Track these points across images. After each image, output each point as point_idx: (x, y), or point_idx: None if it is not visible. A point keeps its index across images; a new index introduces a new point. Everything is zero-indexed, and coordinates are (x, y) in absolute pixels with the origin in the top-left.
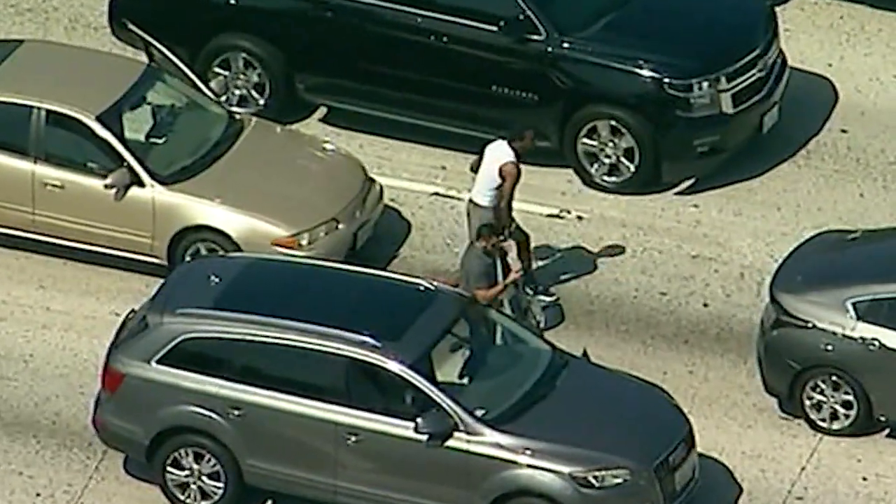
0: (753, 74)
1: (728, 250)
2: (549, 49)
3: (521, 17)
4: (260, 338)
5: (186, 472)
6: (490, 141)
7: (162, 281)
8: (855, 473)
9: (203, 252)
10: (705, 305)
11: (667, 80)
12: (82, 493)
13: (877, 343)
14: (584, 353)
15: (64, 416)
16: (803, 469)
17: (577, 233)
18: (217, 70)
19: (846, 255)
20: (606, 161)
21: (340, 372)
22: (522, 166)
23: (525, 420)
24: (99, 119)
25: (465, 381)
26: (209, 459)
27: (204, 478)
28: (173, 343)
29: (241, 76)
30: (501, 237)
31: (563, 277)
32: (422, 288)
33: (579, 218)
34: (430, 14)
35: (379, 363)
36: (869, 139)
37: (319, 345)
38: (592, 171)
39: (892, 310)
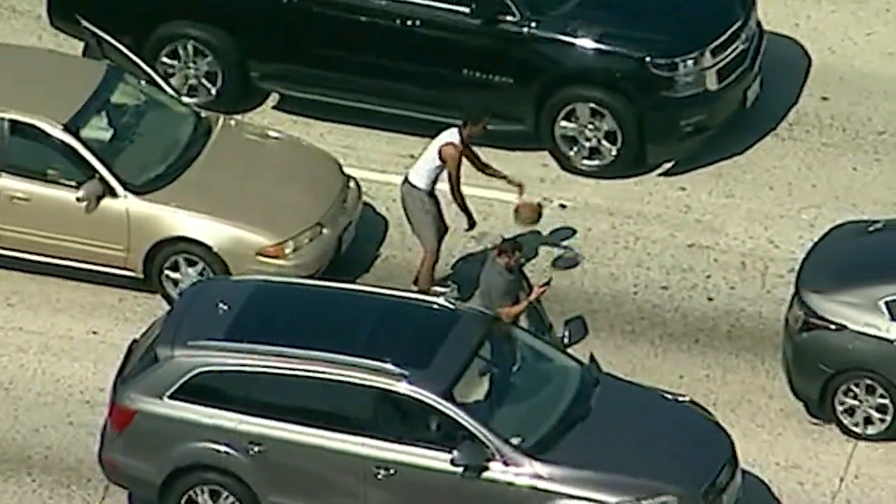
0: (737, 47)
1: (724, 237)
2: (523, 29)
3: None
4: (279, 369)
5: None
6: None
7: (168, 309)
8: None
9: (182, 264)
10: (710, 300)
11: (650, 58)
12: None
13: None
14: (592, 359)
15: (56, 449)
16: (842, 480)
17: (562, 223)
18: (165, 60)
19: (873, 249)
20: (587, 144)
21: (366, 403)
22: (495, 151)
23: (563, 447)
24: (66, 128)
25: (497, 407)
26: (227, 497)
27: None
28: (187, 377)
29: (192, 65)
30: (518, 252)
31: (555, 274)
32: (442, 307)
33: (562, 206)
34: None
35: (408, 393)
36: (852, 106)
37: (343, 375)
38: (571, 154)
39: None
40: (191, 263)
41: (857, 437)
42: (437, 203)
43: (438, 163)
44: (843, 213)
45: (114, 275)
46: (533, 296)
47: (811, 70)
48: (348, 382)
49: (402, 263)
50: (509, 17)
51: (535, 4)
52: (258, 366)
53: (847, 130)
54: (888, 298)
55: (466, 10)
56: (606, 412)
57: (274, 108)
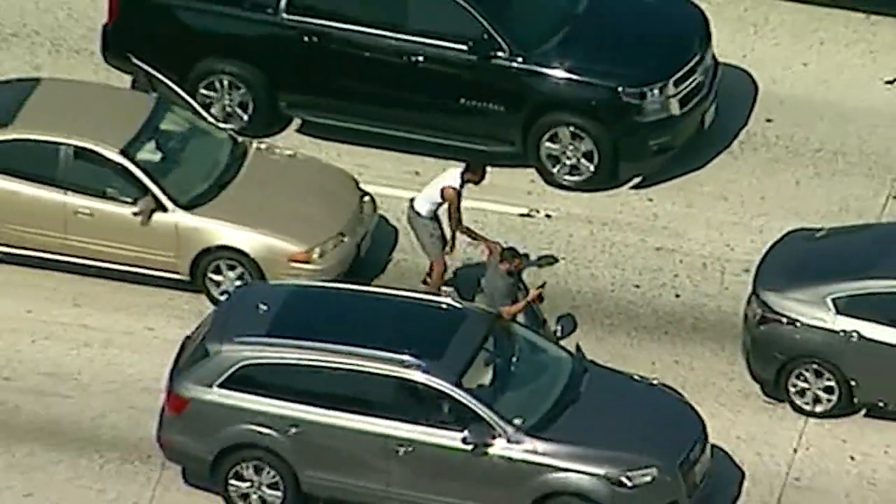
0: (696, 78)
1: (687, 241)
2: (512, 64)
3: (486, 36)
4: (313, 361)
5: (248, 484)
6: (458, 149)
7: (214, 309)
8: (843, 453)
9: (223, 268)
10: (677, 296)
11: (621, 88)
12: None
13: (856, 334)
14: (578, 349)
15: (120, 430)
16: (795, 451)
17: (548, 230)
18: (204, 92)
19: (820, 253)
20: (568, 162)
21: (389, 390)
22: (490, 168)
23: (558, 426)
24: (122, 152)
25: (501, 392)
26: (269, 471)
27: (264, 488)
28: (233, 369)
29: (227, 96)
30: (518, 259)
31: (544, 275)
32: (451, 307)
33: (548, 216)
34: (403, 37)
35: (424, 381)
36: (793, 127)
37: (367, 366)
38: (555, 171)
39: (868, 304)
40: (231, 268)
41: (807, 414)
42: (439, 224)
43: (439, 200)
44: (788, 220)
45: (165, 278)
46: (529, 297)
47: (757, 96)
48: (372, 372)
49: (412, 266)
50: (500, 54)
51: (522, 42)
52: (295, 358)
53: (789, 148)
54: (834, 296)
55: (464, 47)
56: (594, 396)
57: (297, 131)
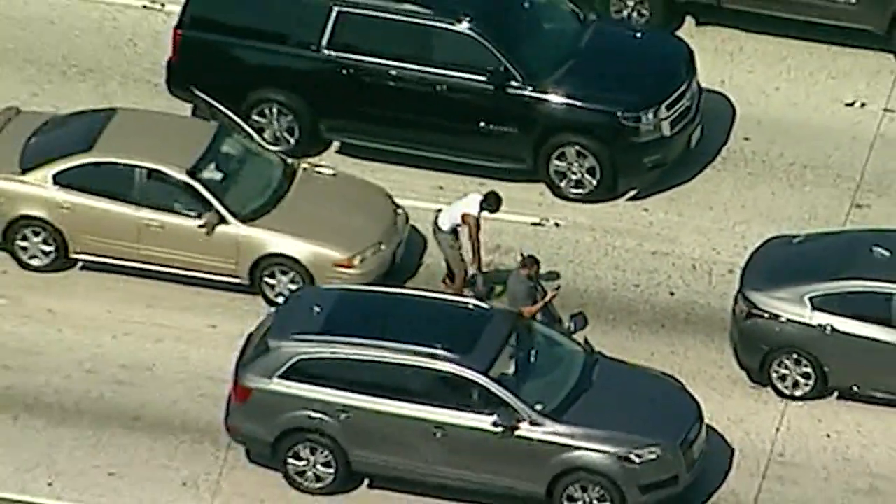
0: (683, 103)
1: (678, 245)
2: (525, 92)
3: (502, 68)
4: (360, 355)
5: (304, 462)
6: (477, 167)
7: (273, 310)
8: (819, 432)
9: (278, 273)
10: (671, 294)
11: (620, 112)
12: (219, 480)
13: (829, 328)
14: (587, 342)
15: (191, 415)
16: (778, 430)
17: (557, 237)
18: (256, 118)
19: (797, 257)
20: (573, 178)
21: (426, 379)
22: (504, 184)
23: (574, 411)
24: (189, 172)
25: (524, 381)
26: (322, 451)
27: (318, 466)
28: (291, 362)
29: (276, 122)
30: (536, 266)
31: (554, 276)
32: (479, 307)
33: (557, 225)
34: (429, 69)
35: (459, 373)
36: (768, 144)
37: (409, 359)
38: (562, 185)
39: (840, 301)
40: (284, 273)
41: (788, 397)
42: (457, 238)
43: (459, 221)
44: (766, 226)
45: (226, 282)
46: (547, 298)
47: (736, 117)
48: (411, 364)
49: (439, 270)
50: (514, 83)
51: (532, 73)
52: (344, 353)
53: (765, 163)
54: (810, 294)
55: (483, 78)
56: (604, 384)
57: (336, 152)
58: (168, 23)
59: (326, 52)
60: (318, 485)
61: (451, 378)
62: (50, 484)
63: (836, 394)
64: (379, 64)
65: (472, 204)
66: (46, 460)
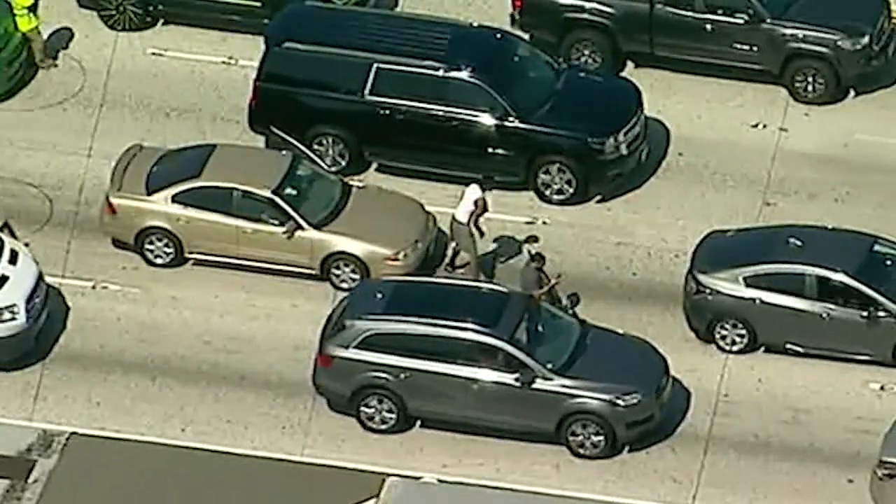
0: (636, 129)
1: (637, 238)
2: (518, 125)
3: (501, 107)
4: (415, 330)
5: (373, 410)
6: (482, 179)
7: (345, 296)
8: (753, 378)
9: (342, 265)
10: (634, 274)
11: (589, 137)
12: (309, 424)
13: (759, 300)
14: (574, 314)
15: (285, 375)
16: (722, 377)
17: (546, 233)
18: (315, 147)
19: (733, 247)
20: (555, 187)
21: (464, 347)
22: (504, 192)
23: (575, 368)
24: (274, 192)
25: (536, 346)
26: (387, 402)
27: (384, 412)
28: (363, 336)
29: (331, 149)
30: (543, 259)
31: (547, 264)
32: (500, 291)
33: (544, 223)
34: (446, 109)
35: (489, 341)
36: (696, 158)
37: (451, 332)
38: (547, 193)
39: (766, 280)
40: (346, 265)
41: (728, 352)
42: (475, 227)
43: (472, 208)
44: (699, 221)
45: (303, 273)
46: (551, 284)
47: (670, 138)
48: (452, 336)
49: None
50: (510, 118)
51: (524, 110)
52: (402, 328)
53: (696, 173)
54: (744, 275)
55: (487, 115)
56: (595, 347)
57: (376, 171)
58: (242, 74)
59: (368, 97)
60: (384, 426)
61: (483, 345)
62: (183, 430)
63: (762, 348)
64: (408, 105)
65: (475, 191)
66: (179, 412)
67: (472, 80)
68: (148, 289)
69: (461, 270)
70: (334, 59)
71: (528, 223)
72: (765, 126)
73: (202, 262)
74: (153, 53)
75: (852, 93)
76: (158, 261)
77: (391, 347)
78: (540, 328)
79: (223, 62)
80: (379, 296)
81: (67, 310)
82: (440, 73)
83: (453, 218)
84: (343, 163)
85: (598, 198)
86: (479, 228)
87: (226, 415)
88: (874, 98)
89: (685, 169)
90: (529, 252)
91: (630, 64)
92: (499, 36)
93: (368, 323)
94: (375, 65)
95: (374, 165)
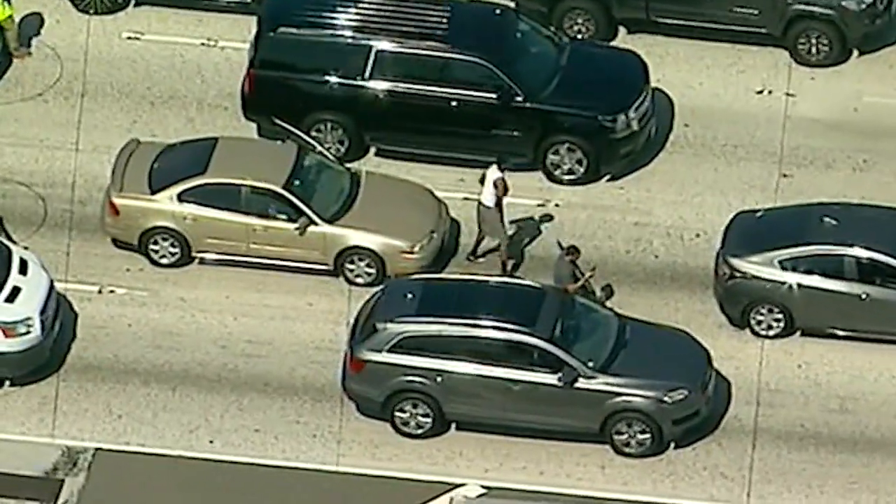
0: (645, 104)
1: (653, 217)
2: (526, 105)
3: (508, 87)
4: (450, 331)
5: (408, 414)
6: (489, 164)
7: (371, 296)
8: (793, 364)
9: (356, 260)
10: (656, 257)
11: (600, 115)
12: (340, 431)
13: (796, 284)
14: (603, 305)
15: (308, 379)
16: (761, 364)
17: (559, 215)
18: (314, 134)
19: (763, 229)
20: (566, 167)
21: (501, 347)
22: (511, 172)
23: (618, 364)
24: (284, 187)
25: (575, 343)
26: (422, 406)
27: (419, 417)
28: (397, 339)
29: (330, 135)
30: (577, 252)
31: (562, 249)
32: (534, 287)
33: (556, 205)
34: (452, 90)
35: (528, 341)
36: (703, 129)
37: (489, 332)
38: (556, 173)
39: (801, 262)
40: (361, 260)
41: (763, 337)
42: (501, 210)
43: (494, 190)
44: (715, 197)
45: (317, 269)
46: (586, 276)
47: (674, 109)
48: (489, 337)
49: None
50: (518, 98)
51: (531, 89)
52: (437, 330)
53: (704, 145)
54: (779, 258)
55: (494, 95)
56: (635, 341)
57: (375, 155)
58: (223, 56)
59: (369, 81)
60: (419, 431)
61: (522, 345)
62: (211, 442)
63: (799, 332)
64: (410, 88)
65: (495, 172)
66: (205, 423)
67: (476, 59)
68: (156, 291)
69: (482, 259)
70: (332, 43)
71: (539, 205)
72: (770, 92)
73: (210, 262)
74: (129, 37)
75: (855, 53)
76: (164, 261)
77: (426, 350)
78: (578, 324)
79: (203, 44)
80: (409, 296)
81: (75, 317)
82: (442, 54)
83: (480, 204)
84: (343, 149)
85: (608, 177)
86: (501, 207)
87: (253, 424)
88: (879, 58)
89: (693, 141)
90: (560, 243)
91: (623, 30)
92: (498, 12)
93: (401, 325)
94: (375, 48)
95: (373, 150)
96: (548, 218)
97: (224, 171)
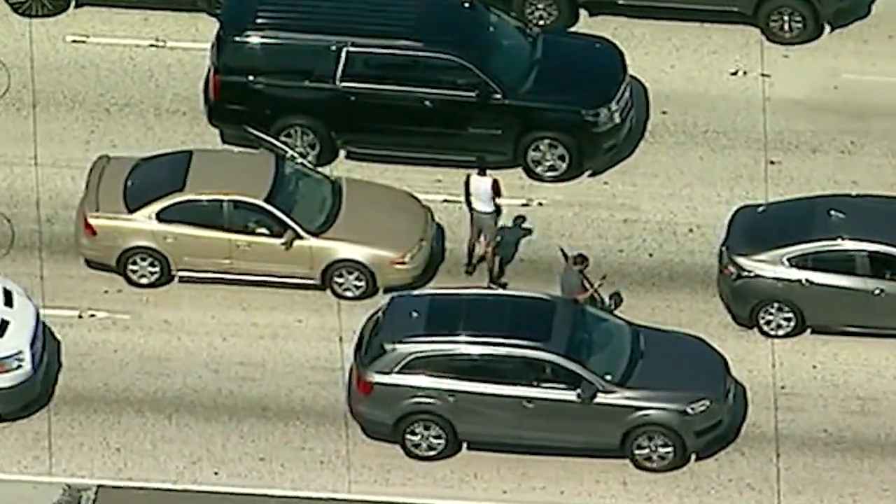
0: (625, 95)
1: (642, 212)
2: (505, 101)
3: (485, 84)
4: (460, 350)
5: (419, 437)
6: (469, 167)
7: (379, 315)
8: (807, 365)
9: (345, 273)
10: (650, 255)
11: (582, 111)
12: (348, 455)
13: (806, 281)
14: (605, 308)
15: (307, 401)
16: (774, 366)
17: (544, 215)
18: (283, 139)
19: (768, 225)
20: (547, 163)
21: (515, 364)
22: (490, 171)
23: (636, 377)
24: (266, 200)
25: (591, 356)
26: (434, 427)
27: (431, 438)
28: (406, 360)
29: (301, 140)
30: (586, 261)
31: (552, 251)
32: (543, 299)
33: (540, 204)
34: (424, 90)
35: (543, 357)
36: (682, 115)
37: (502, 350)
38: (538, 170)
39: (813, 258)
40: (349, 272)
41: (773, 337)
42: (496, 218)
43: (492, 193)
44: (705, 188)
45: (304, 284)
46: (595, 285)
47: (648, 95)
48: (502, 354)
49: (459, 252)
50: (496, 95)
51: (509, 86)
52: (448, 349)
53: (686, 133)
54: (788, 255)
55: (473, 94)
56: (650, 351)
57: (346, 158)
58: (175, 58)
59: (340, 83)
60: (431, 453)
61: (536, 361)
62: (216, 473)
63: (809, 331)
64: (383, 89)
65: (482, 179)
66: (207, 454)
67: (451, 57)
68: (138, 314)
69: (480, 262)
70: (300, 45)
71: (523, 206)
72: (745, 73)
73: (190, 280)
74: (74, 41)
75: (828, 29)
76: (143, 281)
77: (437, 370)
78: (592, 336)
79: (151, 45)
80: (415, 314)
81: (58, 344)
82: (416, 53)
83: (475, 210)
84: (313, 154)
85: (589, 172)
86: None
87: (256, 452)
88: (852, 33)
89: (673, 129)
90: (563, 251)
91: (584, 14)
92: (468, 5)
93: (411, 345)
94: (345, 48)
95: (343, 153)
96: (530, 218)
97: (203, 186)
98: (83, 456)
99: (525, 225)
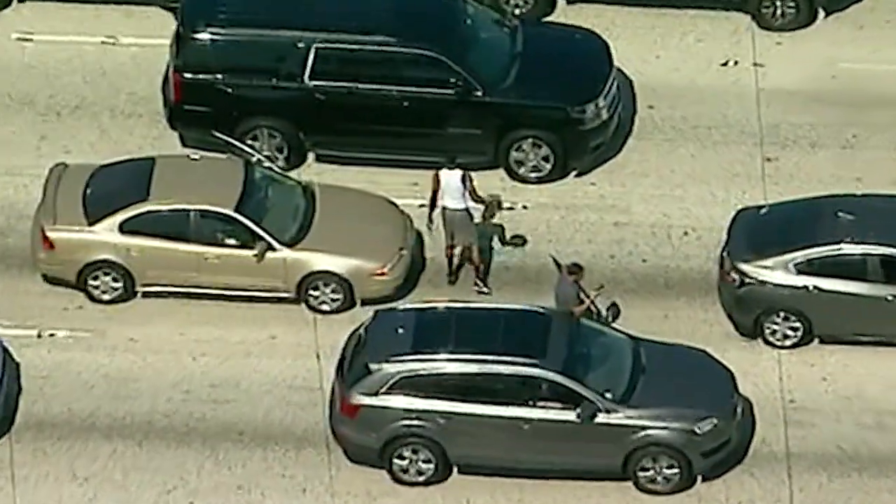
0: (612, 90)
1: (633, 215)
2: (485, 99)
3: (464, 80)
4: (450, 368)
5: (407, 461)
6: (440, 166)
7: (362, 332)
8: (816, 377)
9: (321, 286)
10: (644, 261)
11: (568, 107)
12: (331, 482)
13: (814, 288)
14: (613, 321)
15: (286, 423)
16: (781, 379)
17: (528, 219)
18: (249, 142)
19: (772, 229)
20: (531, 164)
21: (510, 383)
22: (471, 172)
23: (638, 395)
24: (235, 209)
25: (590, 373)
26: (423, 451)
27: (420, 463)
28: (393, 381)
29: (267, 143)
30: (581, 271)
31: (539, 258)
32: (537, 313)
33: (524, 207)
34: (399, 88)
35: (539, 375)
36: (670, 110)
37: (494, 368)
38: (520, 171)
39: (821, 264)
40: (326, 285)
41: (779, 347)
42: (471, 215)
43: (464, 188)
44: (699, 187)
45: (278, 297)
46: (592, 297)
47: (634, 88)
48: (495, 372)
49: (442, 260)
50: (476, 93)
51: (490, 83)
52: (436, 368)
53: (675, 128)
54: (794, 261)
55: (451, 91)
56: (653, 366)
57: (315, 161)
58: (128, 55)
59: (309, 82)
60: (420, 478)
61: (533, 380)
62: None
63: (815, 341)
64: (355, 87)
65: (451, 173)
66: (181, 483)
67: (427, 52)
68: (101, 332)
69: (460, 270)
70: (265, 41)
71: (507, 209)
72: (736, 63)
73: (154, 294)
74: (19, 38)
75: (822, 14)
76: (105, 297)
77: (426, 390)
78: (590, 351)
79: (102, 42)
80: (401, 330)
81: (17, 366)
82: (391, 48)
83: (446, 209)
84: (281, 158)
85: (575, 172)
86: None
87: (234, 480)
88: (847, 18)
89: (662, 125)
90: (556, 260)
91: (562, 2)
92: None
93: (397, 365)
94: (314, 45)
95: (311, 156)
96: (514, 223)
97: (168, 195)
98: (49, 487)
99: (508, 230)
